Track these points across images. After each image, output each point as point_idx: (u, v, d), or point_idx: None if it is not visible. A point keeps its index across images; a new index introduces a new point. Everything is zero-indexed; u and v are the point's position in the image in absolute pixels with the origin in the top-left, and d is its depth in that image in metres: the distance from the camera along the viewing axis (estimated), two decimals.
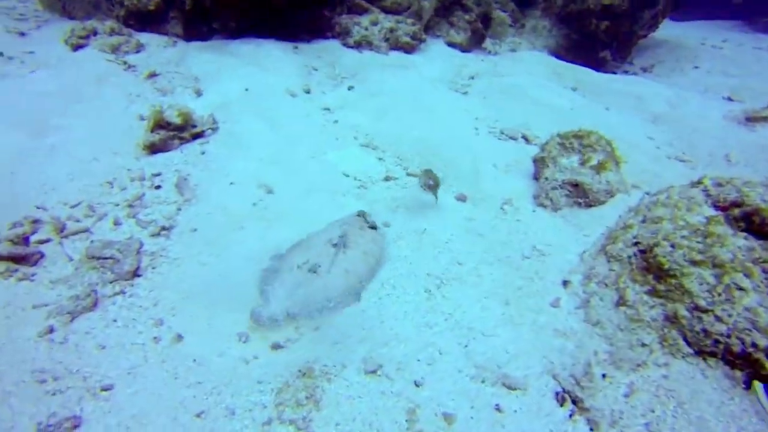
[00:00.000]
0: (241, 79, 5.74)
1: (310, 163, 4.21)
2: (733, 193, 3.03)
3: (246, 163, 4.07)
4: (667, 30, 10.51)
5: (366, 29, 7.14)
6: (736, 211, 2.85)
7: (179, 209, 3.51)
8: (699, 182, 3.24)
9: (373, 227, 3.19)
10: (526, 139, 5.00)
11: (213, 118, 4.91)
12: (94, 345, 2.30)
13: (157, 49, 6.56)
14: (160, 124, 4.35)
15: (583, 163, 3.68)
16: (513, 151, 4.61)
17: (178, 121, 4.42)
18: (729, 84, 6.94)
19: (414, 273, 2.96)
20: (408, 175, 4.22)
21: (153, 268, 2.86)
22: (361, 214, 3.27)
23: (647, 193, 4.19)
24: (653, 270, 2.62)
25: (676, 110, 6.02)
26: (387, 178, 4.16)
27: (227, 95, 5.36)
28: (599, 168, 3.63)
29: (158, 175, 3.92)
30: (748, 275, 2.42)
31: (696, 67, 7.93)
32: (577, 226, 3.44)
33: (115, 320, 2.43)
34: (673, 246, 2.64)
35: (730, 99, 6.41)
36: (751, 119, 5.26)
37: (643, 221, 3.04)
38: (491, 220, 3.51)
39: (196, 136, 4.56)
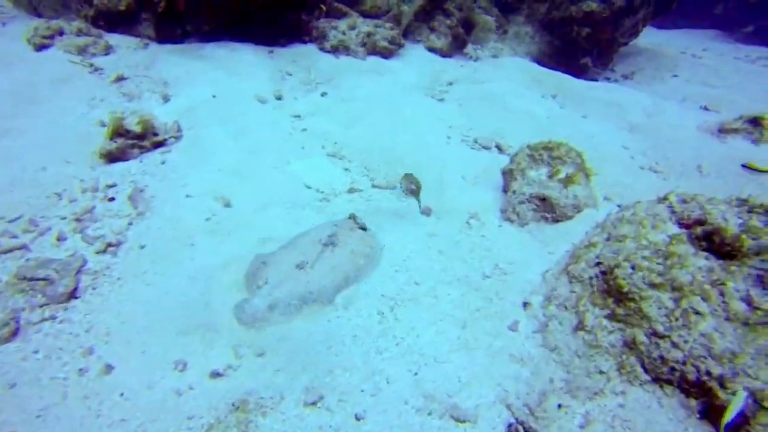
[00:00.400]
0: (210, 84, 5.59)
1: (272, 173, 4.07)
2: (696, 210, 2.95)
3: (205, 174, 3.93)
4: (650, 38, 10.53)
5: (343, 33, 7.02)
6: (699, 230, 2.77)
7: (131, 223, 3.36)
8: (665, 198, 3.16)
9: (363, 228, 3.27)
10: (499, 148, 4.91)
11: (178, 126, 4.76)
12: (1, 385, 2.13)
13: (128, 51, 6.38)
14: (119, 132, 4.19)
15: (551, 176, 3.59)
16: (484, 162, 4.51)
17: (137, 129, 4.26)
18: (707, 94, 6.92)
19: (368, 293, 2.84)
20: (373, 186, 4.11)
21: (93, 288, 2.70)
22: (352, 217, 3.35)
23: (618, 206, 4.13)
24: (613, 293, 2.53)
25: (652, 119, 5.97)
26: (351, 190, 4.04)
27: (194, 101, 5.20)
28: (567, 181, 3.54)
29: (113, 186, 3.76)
30: (705, 299, 2.34)
31: (675, 76, 7.92)
32: (542, 243, 3.34)
33: (35, 351, 2.28)
34: (633, 267, 2.55)
35: (706, 109, 6.39)
36: (722, 131, 5.23)
37: (608, 239, 2.96)
38: (454, 236, 3.40)
39: (158, 144, 4.41)
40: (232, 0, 6.45)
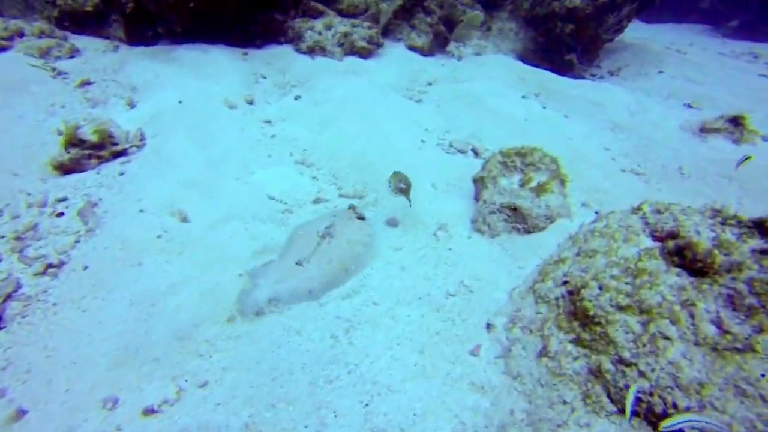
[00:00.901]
0: (179, 89, 5.38)
1: (234, 184, 3.89)
2: (670, 221, 2.80)
3: (164, 186, 3.73)
4: (637, 32, 10.37)
5: (319, 34, 6.81)
6: (671, 244, 2.61)
7: (78, 241, 3.17)
8: (638, 208, 3.01)
9: (361, 218, 3.27)
10: (475, 152, 4.74)
11: (141, 134, 4.57)
12: None
13: (95, 54, 6.16)
14: (73, 142, 3.99)
15: (523, 185, 3.42)
16: (459, 167, 4.34)
17: (93, 138, 4.07)
18: (691, 90, 6.78)
19: (321, 316, 2.67)
20: (341, 196, 3.93)
21: (23, 317, 2.52)
22: (351, 207, 3.35)
23: (596, 212, 3.97)
24: (579, 316, 2.37)
25: (635, 118, 5.83)
26: (317, 200, 3.86)
27: (161, 107, 5.00)
28: (540, 190, 3.38)
29: (63, 200, 3.57)
30: (674, 321, 2.18)
31: (660, 72, 7.77)
32: (512, 256, 3.18)
33: None
34: (601, 288, 2.39)
35: (690, 106, 6.25)
36: (704, 130, 5.09)
37: (578, 254, 2.80)
38: (420, 250, 3.23)
39: (118, 154, 4.21)
40: (203, 1, 6.22)
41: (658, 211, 2.92)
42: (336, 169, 4.24)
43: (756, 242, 2.43)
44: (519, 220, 3.33)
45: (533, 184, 3.42)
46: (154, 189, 3.67)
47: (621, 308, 2.27)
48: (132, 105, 5.12)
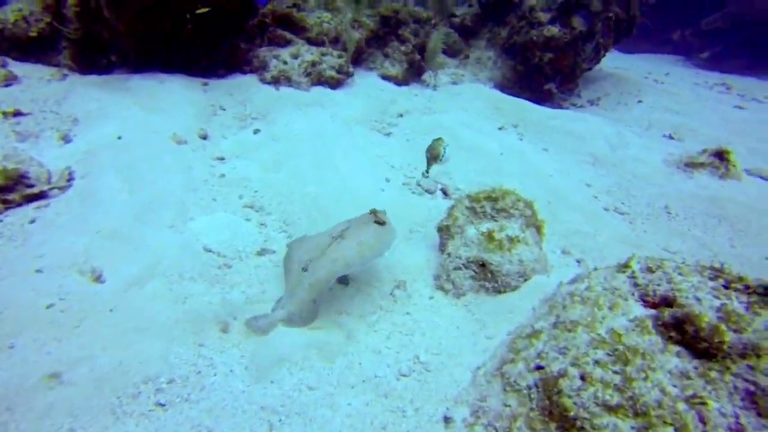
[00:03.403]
0: (123, 121, 4.90)
1: (166, 234, 3.38)
2: (663, 283, 2.37)
3: (79, 237, 3.20)
4: (615, 62, 10.27)
5: (285, 63, 6.44)
6: (667, 314, 2.17)
7: None
8: (626, 265, 2.57)
9: (380, 223, 2.99)
10: (444, 192, 4.31)
11: (70, 173, 4.06)
12: None
13: (38, 82, 5.67)
14: None
15: (492, 236, 2.97)
16: (425, 209, 3.90)
17: None
18: (671, 121, 6.54)
19: (242, 407, 2.13)
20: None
21: None
22: (373, 212, 3.10)
23: (578, 261, 3.53)
24: (556, 416, 1.88)
25: (616, 152, 5.49)
26: (261, 252, 3.37)
27: (98, 143, 4.50)
28: (512, 242, 2.93)
29: None
30: (679, 429, 1.70)
31: (640, 102, 7.55)
32: (480, 322, 2.70)
33: None
34: (583, 378, 1.91)
35: (671, 137, 5.97)
36: (689, 165, 4.77)
37: (555, 324, 2.33)
38: (371, 315, 2.74)
39: (33, 197, 3.68)
40: (158, 27, 5.82)
41: (649, 269, 2.48)
42: (288, 214, 3.76)
43: None
44: (488, 277, 2.87)
45: (504, 234, 2.97)
46: (65, 241, 3.14)
47: (609, 408, 1.79)
48: (67, 139, 4.62)
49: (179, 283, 2.95)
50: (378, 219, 3.00)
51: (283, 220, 3.71)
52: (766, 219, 4.26)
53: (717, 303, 2.12)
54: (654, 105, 7.23)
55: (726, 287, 2.24)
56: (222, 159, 4.66)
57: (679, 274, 2.39)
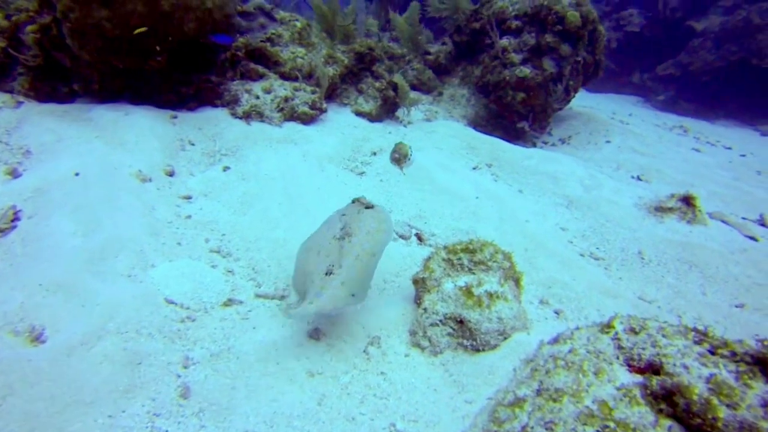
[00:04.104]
0: (81, 156, 4.62)
1: (122, 284, 3.11)
2: (648, 347, 2.28)
3: (17, 289, 2.90)
4: (583, 101, 10.65)
5: (257, 98, 6.32)
6: (655, 383, 2.07)
7: None
8: (609, 326, 2.48)
9: (369, 207, 3.01)
10: (419, 238, 4.20)
11: (16, 213, 3.76)
12: None
13: None
14: None
15: (470, 291, 2.85)
16: (399, 257, 3.77)
17: None
18: (638, 162, 6.74)
19: None
20: (257, 296, 3.23)
21: None
22: (357, 200, 3.12)
23: (556, 312, 3.45)
24: None
25: (590, 194, 5.55)
26: (228, 303, 3.14)
27: (51, 179, 4.21)
28: (491, 298, 2.81)
29: None
30: None
31: (608, 142, 7.78)
32: (458, 384, 2.54)
33: None
34: None
35: (639, 179, 6.12)
36: (659, 209, 4.86)
37: (539, 392, 2.20)
38: (343, 375, 2.55)
39: None
40: (126, 60, 5.62)
41: (633, 331, 2.40)
42: (256, 261, 3.56)
43: (761, 387, 1.92)
44: (466, 335, 2.73)
45: (483, 289, 2.86)
46: (1, 294, 2.83)
47: None
48: (15, 174, 4.31)
49: (135, 341, 2.68)
50: (365, 204, 3.03)
51: (251, 267, 3.50)
52: (732, 266, 4.33)
53: (706, 372, 2.04)
54: (621, 145, 7.45)
55: (712, 353, 2.17)
56: (189, 198, 4.44)
57: (663, 336, 2.32)
